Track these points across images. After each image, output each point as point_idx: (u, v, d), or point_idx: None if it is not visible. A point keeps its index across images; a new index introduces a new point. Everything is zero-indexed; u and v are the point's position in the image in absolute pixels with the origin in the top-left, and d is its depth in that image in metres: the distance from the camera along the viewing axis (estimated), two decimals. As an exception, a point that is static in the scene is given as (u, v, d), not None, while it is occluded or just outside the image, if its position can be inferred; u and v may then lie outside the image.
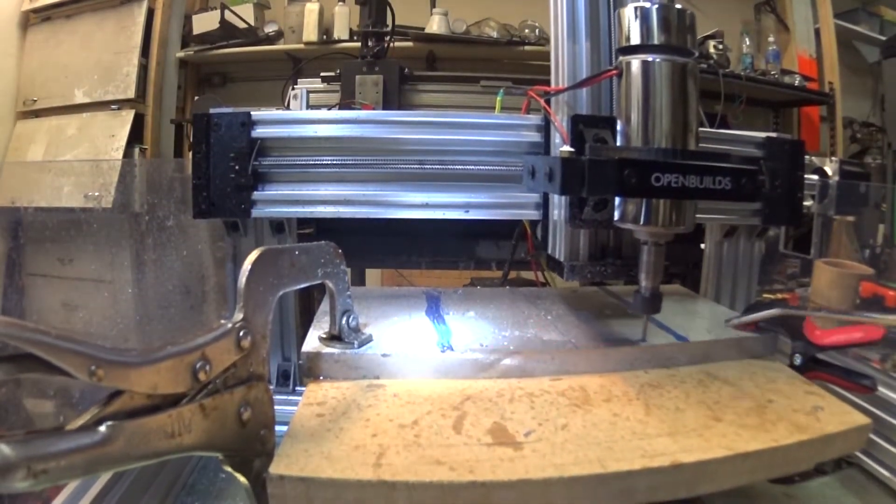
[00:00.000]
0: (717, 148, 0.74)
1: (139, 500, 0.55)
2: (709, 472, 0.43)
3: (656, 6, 0.52)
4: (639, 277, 0.57)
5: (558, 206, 0.69)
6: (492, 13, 2.30)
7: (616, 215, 0.56)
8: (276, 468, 0.40)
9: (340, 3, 2.32)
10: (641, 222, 0.53)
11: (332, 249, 0.52)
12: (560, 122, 0.67)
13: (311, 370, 0.55)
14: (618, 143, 0.56)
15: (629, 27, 0.53)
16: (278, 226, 0.75)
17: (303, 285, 0.48)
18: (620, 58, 0.55)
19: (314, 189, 0.71)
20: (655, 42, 0.52)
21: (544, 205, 0.71)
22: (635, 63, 0.53)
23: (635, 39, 0.53)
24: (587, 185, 0.47)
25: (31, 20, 2.35)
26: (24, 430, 0.29)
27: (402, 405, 0.49)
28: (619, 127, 0.55)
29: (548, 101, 0.68)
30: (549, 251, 0.72)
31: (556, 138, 0.68)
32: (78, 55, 2.27)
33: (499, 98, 0.85)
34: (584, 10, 0.66)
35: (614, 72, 0.56)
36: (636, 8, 0.53)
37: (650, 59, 0.52)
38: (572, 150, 0.53)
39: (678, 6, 0.53)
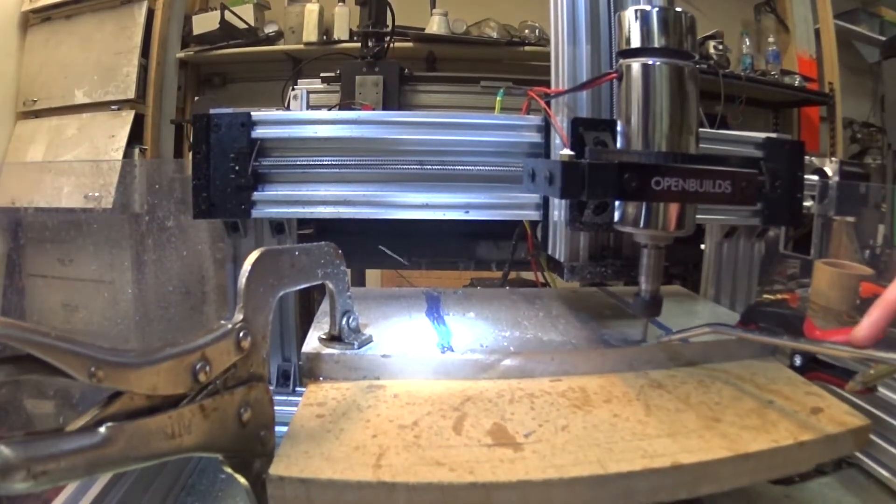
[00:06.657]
0: (718, 149, 0.74)
1: (139, 502, 0.55)
2: (709, 472, 0.43)
3: (656, 9, 0.52)
4: (639, 280, 0.57)
5: (558, 207, 0.68)
6: (492, 13, 2.30)
7: (616, 217, 0.56)
8: (275, 469, 0.40)
9: (340, 4, 2.31)
10: (641, 226, 0.53)
11: (332, 250, 0.52)
12: (560, 124, 0.67)
13: (311, 371, 0.55)
14: (618, 146, 0.56)
15: (629, 30, 0.53)
16: (278, 226, 0.75)
17: (303, 286, 0.48)
18: (620, 61, 0.55)
19: (314, 189, 0.71)
20: (656, 45, 0.52)
21: (544, 205, 0.71)
22: (635, 66, 0.53)
23: (635, 42, 0.53)
24: (587, 189, 0.47)
25: (30, 20, 2.35)
26: (23, 431, 0.29)
27: (402, 406, 0.49)
28: (619, 129, 0.56)
29: (548, 103, 0.68)
30: (550, 252, 0.72)
31: (556, 139, 0.68)
32: (78, 55, 2.27)
33: (499, 98, 0.86)
34: (584, 12, 0.66)
35: (614, 75, 0.56)
36: (636, 11, 0.53)
37: (650, 62, 0.52)
38: (572, 153, 0.53)
39: (678, 8, 0.53)
